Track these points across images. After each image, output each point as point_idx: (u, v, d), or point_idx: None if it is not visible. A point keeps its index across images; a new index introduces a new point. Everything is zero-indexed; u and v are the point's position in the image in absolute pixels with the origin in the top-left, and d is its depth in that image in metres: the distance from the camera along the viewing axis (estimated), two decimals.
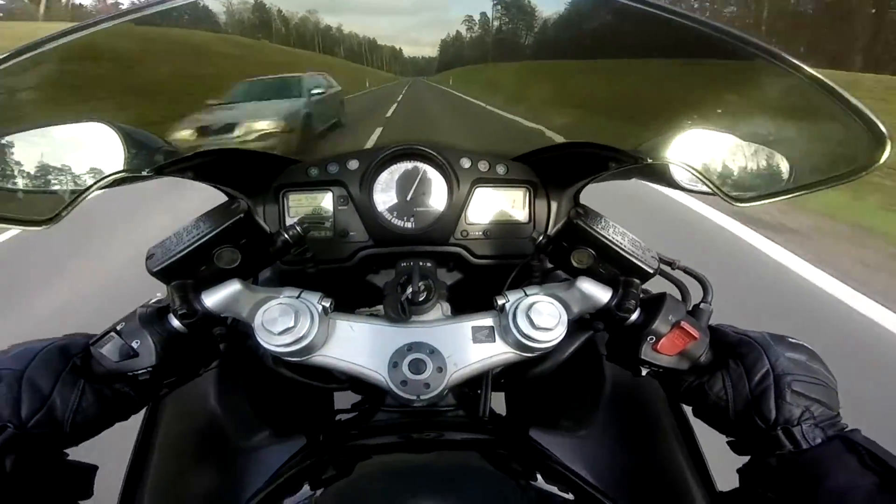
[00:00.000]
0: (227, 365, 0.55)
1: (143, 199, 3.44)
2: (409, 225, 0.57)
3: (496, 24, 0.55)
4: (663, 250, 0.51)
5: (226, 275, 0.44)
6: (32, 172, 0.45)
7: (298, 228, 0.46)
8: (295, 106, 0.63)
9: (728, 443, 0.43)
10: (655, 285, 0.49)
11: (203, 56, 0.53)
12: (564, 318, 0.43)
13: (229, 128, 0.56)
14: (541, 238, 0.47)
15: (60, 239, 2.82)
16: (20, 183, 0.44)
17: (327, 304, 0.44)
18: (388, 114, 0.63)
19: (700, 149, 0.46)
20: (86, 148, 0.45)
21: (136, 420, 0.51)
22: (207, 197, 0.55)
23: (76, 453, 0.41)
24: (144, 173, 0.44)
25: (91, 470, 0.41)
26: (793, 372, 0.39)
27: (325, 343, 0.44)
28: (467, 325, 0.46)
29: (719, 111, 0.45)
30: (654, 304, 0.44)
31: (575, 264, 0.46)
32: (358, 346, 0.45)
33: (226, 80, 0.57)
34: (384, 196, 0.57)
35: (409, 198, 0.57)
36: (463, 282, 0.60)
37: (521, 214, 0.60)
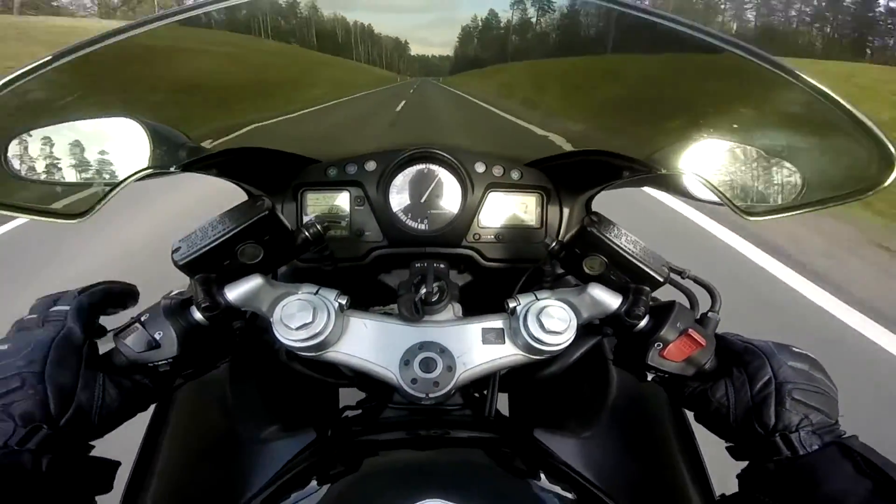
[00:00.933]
0: (239, 359, 0.56)
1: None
2: (423, 226, 0.58)
3: (508, 24, 0.55)
4: (671, 257, 0.52)
5: (248, 269, 0.45)
6: (62, 166, 0.46)
7: (318, 227, 0.48)
8: None
9: (727, 448, 0.44)
10: (665, 293, 0.50)
11: (233, 60, 0.54)
12: (574, 322, 0.44)
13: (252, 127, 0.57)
14: (554, 244, 0.48)
15: None
16: (51, 176, 0.46)
17: (343, 302, 0.45)
18: (398, 108, 0.62)
19: (713, 160, 0.47)
20: (113, 143, 0.46)
21: (146, 411, 0.52)
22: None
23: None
24: (172, 170, 0.46)
25: (114, 465, 0.41)
26: (794, 380, 0.40)
27: (339, 339, 0.45)
28: (478, 326, 0.47)
29: (733, 123, 0.46)
30: (663, 312, 0.45)
31: (587, 270, 0.47)
32: (371, 343, 0.46)
33: (258, 85, 0.57)
34: (399, 197, 0.59)
35: (423, 200, 0.58)
36: (473, 283, 0.62)
37: (533, 219, 0.61)
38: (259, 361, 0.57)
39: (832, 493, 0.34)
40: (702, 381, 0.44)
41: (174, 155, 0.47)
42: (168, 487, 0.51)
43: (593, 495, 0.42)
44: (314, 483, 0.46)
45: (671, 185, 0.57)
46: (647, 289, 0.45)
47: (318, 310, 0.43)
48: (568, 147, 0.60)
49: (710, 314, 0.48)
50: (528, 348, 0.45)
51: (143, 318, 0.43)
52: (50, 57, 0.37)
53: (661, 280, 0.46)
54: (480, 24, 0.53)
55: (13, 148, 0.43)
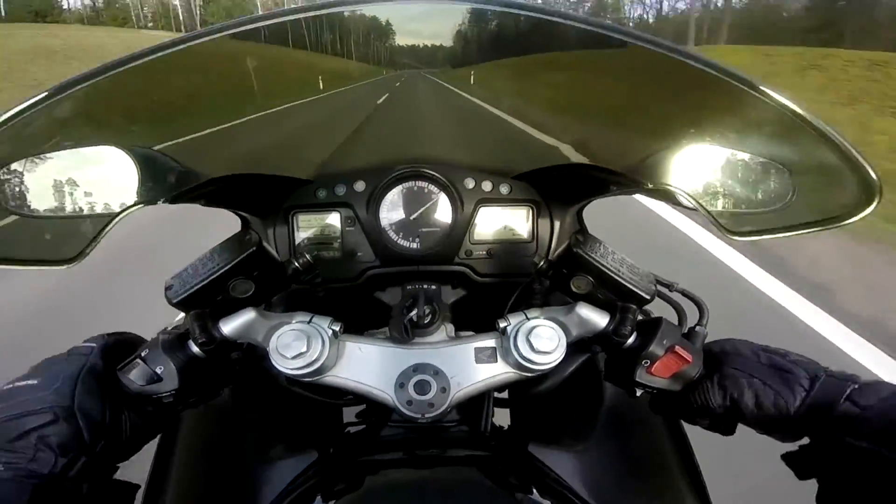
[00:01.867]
0: (243, 382, 0.57)
1: None
2: (414, 245, 0.59)
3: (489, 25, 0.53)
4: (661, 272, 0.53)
5: (241, 303, 0.46)
6: (49, 201, 0.46)
7: (308, 256, 0.48)
8: None
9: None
10: (656, 305, 0.51)
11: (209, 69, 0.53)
12: (563, 341, 0.45)
13: (238, 151, 0.57)
14: (542, 263, 0.49)
15: None
16: (36, 210, 0.46)
17: (337, 328, 0.46)
18: (379, 101, 0.61)
19: (699, 173, 0.47)
20: (100, 175, 0.46)
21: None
22: None
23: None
24: (161, 203, 0.46)
25: (134, 488, 0.43)
26: (772, 351, 0.42)
27: (335, 364, 0.46)
28: (470, 346, 0.48)
29: (707, 138, 0.46)
30: (649, 328, 0.46)
31: (574, 290, 0.48)
32: (366, 367, 0.47)
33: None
34: (390, 216, 0.59)
35: (414, 218, 0.59)
36: (467, 298, 0.62)
37: (524, 233, 0.62)
38: (261, 385, 0.59)
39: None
40: (693, 395, 0.45)
41: (162, 186, 0.47)
42: None
43: None
44: (319, 500, 0.48)
45: (663, 195, 0.57)
46: (634, 307, 0.46)
47: (313, 338, 0.44)
48: (553, 159, 0.60)
49: (697, 328, 0.48)
50: (519, 367, 0.46)
51: (143, 354, 0.44)
52: (46, 94, 0.37)
53: (648, 297, 0.46)
54: (465, 22, 0.52)
55: None
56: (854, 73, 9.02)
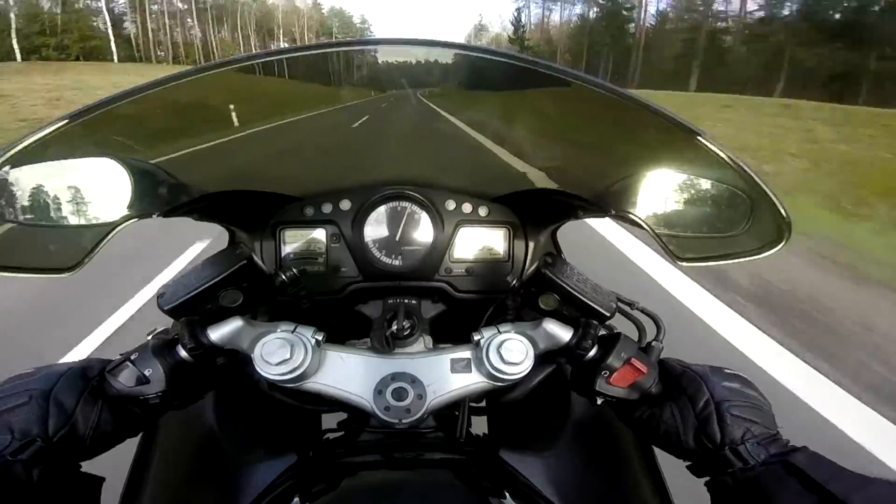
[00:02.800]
0: (225, 387, 0.59)
1: None
2: (396, 262, 0.62)
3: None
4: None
5: (229, 312, 0.48)
6: (47, 209, 0.48)
7: (294, 270, 0.51)
8: None
9: (687, 467, 0.47)
10: (620, 322, 0.55)
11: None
12: (531, 353, 0.48)
13: (228, 169, 0.60)
14: (514, 282, 0.53)
15: None
16: (35, 219, 0.47)
17: (320, 338, 0.49)
18: (363, 121, 0.63)
19: (662, 199, 0.52)
20: (98, 184, 0.48)
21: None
22: None
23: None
24: (155, 217, 0.48)
25: (99, 481, 0.44)
26: (730, 398, 0.44)
27: (317, 372, 0.49)
28: (446, 357, 0.51)
29: (677, 169, 0.51)
30: (609, 342, 0.50)
31: (543, 306, 0.52)
32: (347, 374, 0.50)
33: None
34: (374, 234, 0.62)
35: (397, 237, 0.62)
36: (446, 313, 0.66)
37: (501, 252, 0.65)
38: (242, 390, 0.60)
39: None
40: (649, 406, 0.49)
41: (158, 200, 0.49)
42: None
43: None
44: (297, 501, 0.50)
45: (626, 220, 0.62)
46: (595, 323, 0.50)
47: (296, 346, 0.46)
48: (528, 183, 0.64)
49: (654, 343, 0.53)
50: (491, 376, 0.49)
51: (132, 357, 0.46)
52: (67, 120, 0.40)
53: (608, 315, 0.51)
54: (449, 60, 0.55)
55: None
56: None
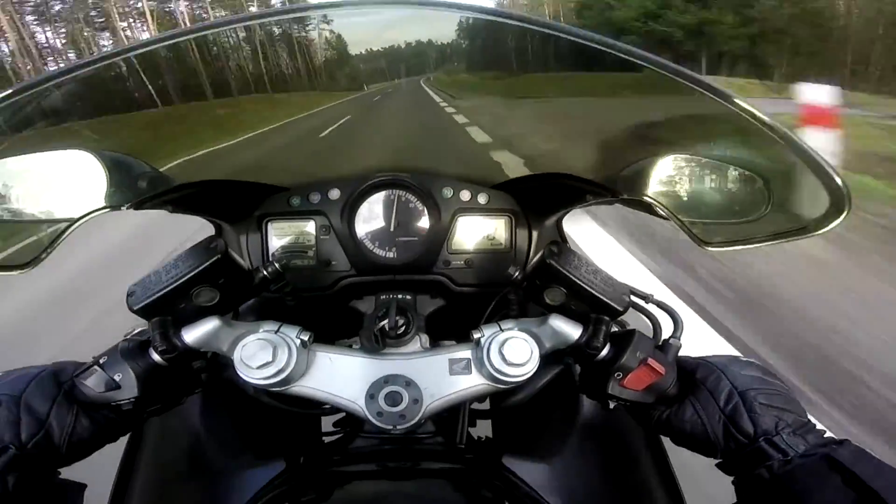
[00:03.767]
0: (211, 390, 0.56)
1: None
2: (391, 255, 0.58)
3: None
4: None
5: (205, 312, 0.45)
6: (11, 205, 0.45)
7: (277, 265, 0.47)
8: None
9: (717, 465, 0.43)
10: (633, 317, 0.50)
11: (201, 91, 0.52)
12: (536, 353, 0.44)
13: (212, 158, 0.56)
14: (516, 274, 0.48)
15: None
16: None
17: (306, 338, 0.45)
18: (355, 112, 0.61)
19: (678, 183, 0.47)
20: (63, 179, 0.45)
21: (121, 440, 0.52)
22: None
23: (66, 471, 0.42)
24: (124, 209, 0.45)
25: (80, 488, 0.42)
26: (754, 386, 0.41)
27: (304, 374, 0.45)
28: (444, 357, 0.47)
29: (695, 152, 0.46)
30: (623, 340, 0.45)
31: (548, 301, 0.47)
32: (336, 377, 0.46)
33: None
34: (366, 226, 0.58)
35: (391, 228, 0.58)
36: (445, 309, 0.61)
37: (502, 243, 0.61)
38: (229, 393, 0.57)
39: None
40: (667, 405, 0.45)
41: (128, 191, 0.46)
42: None
43: None
44: None
45: (639, 206, 0.57)
46: (606, 318, 0.46)
47: (279, 348, 0.43)
48: (526, 170, 0.59)
49: (671, 340, 0.48)
50: (493, 378, 0.45)
51: (101, 361, 0.43)
52: (10, 91, 0.36)
53: (621, 309, 0.46)
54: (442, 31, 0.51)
55: None
56: None
